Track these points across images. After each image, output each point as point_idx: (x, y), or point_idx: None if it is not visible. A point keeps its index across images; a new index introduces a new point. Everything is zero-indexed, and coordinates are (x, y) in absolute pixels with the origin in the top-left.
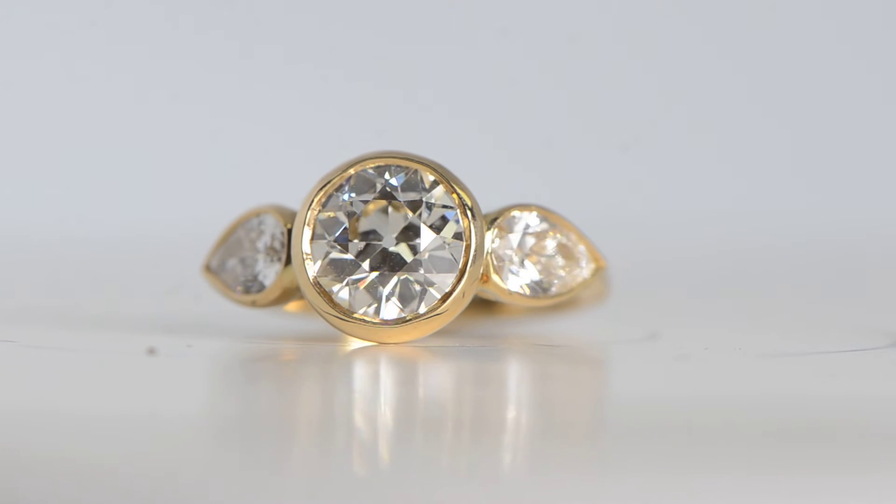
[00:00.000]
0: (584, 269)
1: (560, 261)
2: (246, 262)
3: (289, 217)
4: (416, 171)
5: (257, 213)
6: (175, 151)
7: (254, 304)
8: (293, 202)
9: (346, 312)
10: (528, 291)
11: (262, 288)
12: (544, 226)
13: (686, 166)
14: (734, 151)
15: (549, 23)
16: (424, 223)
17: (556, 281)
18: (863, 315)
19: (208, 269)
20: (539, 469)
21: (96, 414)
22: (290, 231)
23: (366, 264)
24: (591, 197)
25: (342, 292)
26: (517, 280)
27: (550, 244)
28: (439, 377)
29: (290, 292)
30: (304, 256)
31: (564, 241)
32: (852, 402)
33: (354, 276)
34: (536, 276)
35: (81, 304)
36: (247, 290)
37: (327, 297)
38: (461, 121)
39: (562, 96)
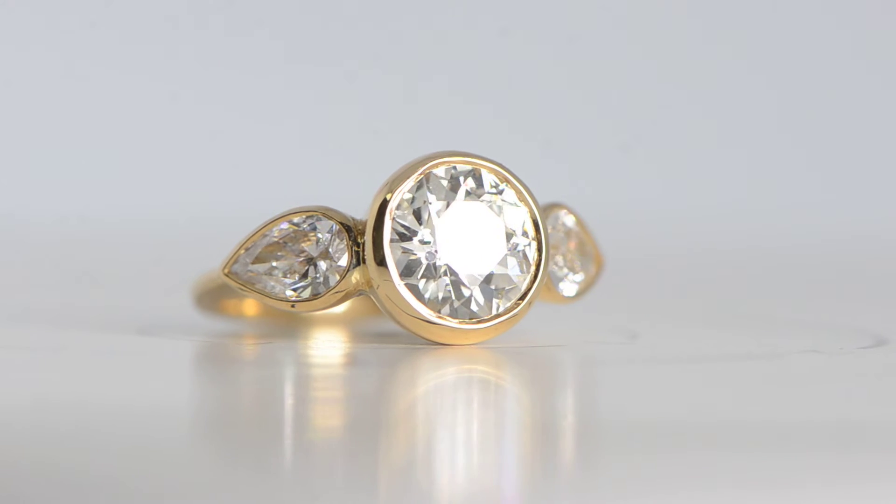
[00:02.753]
0: (592, 267)
1: (580, 259)
2: (290, 264)
3: (342, 219)
4: (484, 171)
5: (298, 215)
6: (175, 151)
7: (294, 307)
8: (295, 202)
9: (431, 314)
10: (573, 293)
11: (318, 290)
12: (576, 226)
13: (677, 166)
14: (733, 152)
15: (548, 23)
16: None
17: (580, 279)
18: (847, 315)
19: (231, 272)
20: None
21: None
22: (347, 231)
23: (446, 266)
24: (590, 197)
25: (428, 294)
26: (569, 286)
27: (574, 243)
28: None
29: (350, 295)
30: (385, 258)
31: (583, 239)
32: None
33: (438, 279)
34: (580, 278)
35: (76, 303)
36: (304, 292)
37: (414, 299)
38: (461, 120)
39: (561, 96)
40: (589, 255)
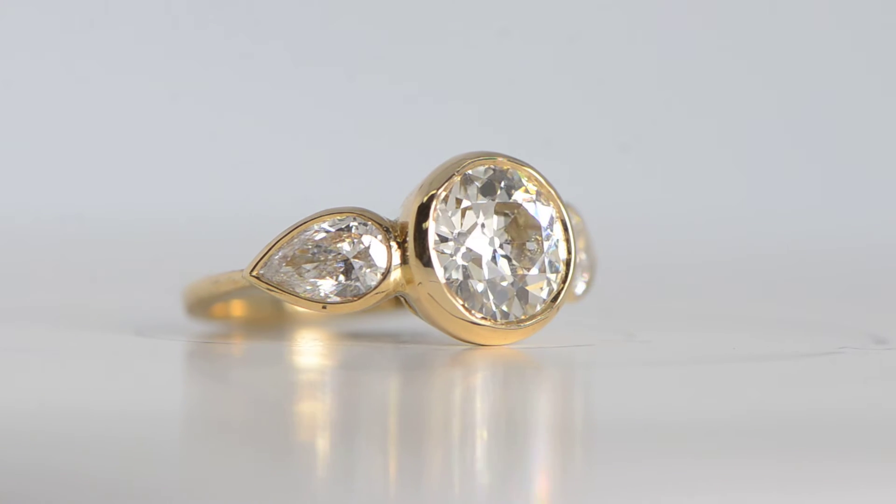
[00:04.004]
0: (586, 262)
1: (587, 258)
2: (326, 267)
3: (379, 220)
4: (516, 172)
5: (332, 216)
6: (175, 151)
7: (325, 308)
8: (295, 203)
9: (474, 316)
10: (581, 291)
11: (358, 292)
12: (579, 225)
13: (675, 168)
14: (733, 152)
15: (548, 23)
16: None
17: (587, 277)
18: (846, 317)
19: (259, 274)
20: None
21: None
22: (386, 232)
23: (488, 267)
24: (590, 197)
25: (476, 294)
26: (580, 284)
27: (583, 241)
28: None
29: (388, 296)
30: (432, 259)
31: (588, 238)
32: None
33: (477, 280)
34: (587, 276)
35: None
36: (341, 294)
37: (459, 300)
38: (461, 120)
39: (561, 96)
40: (592, 255)
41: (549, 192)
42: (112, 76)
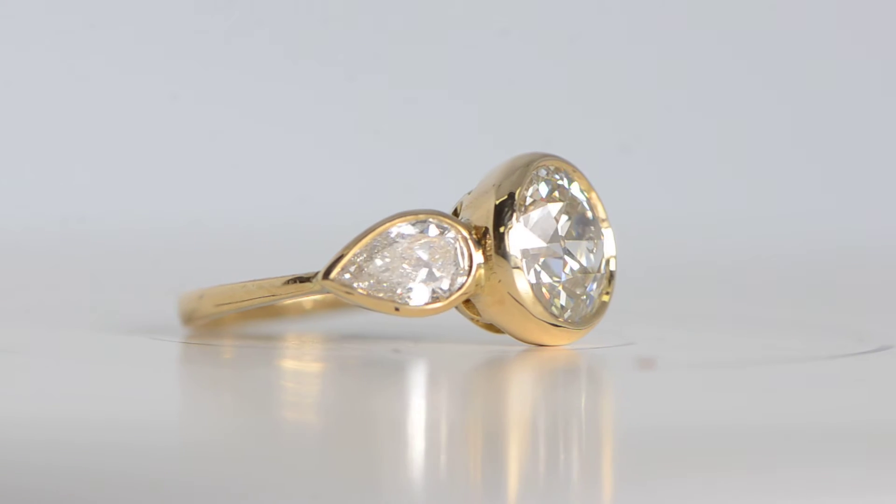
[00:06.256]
0: None
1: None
2: (404, 270)
3: (457, 223)
4: (573, 172)
5: (407, 219)
6: (175, 151)
7: (398, 310)
8: (295, 203)
9: (552, 316)
10: None
11: (439, 295)
12: None
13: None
14: (733, 152)
15: (548, 23)
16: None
17: None
18: (849, 319)
19: (334, 279)
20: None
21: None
22: (466, 234)
23: (563, 267)
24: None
25: (553, 295)
26: None
27: None
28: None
29: (469, 297)
30: (517, 260)
31: None
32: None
33: (560, 279)
34: None
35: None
36: (422, 296)
37: (539, 301)
38: (461, 120)
39: (561, 95)
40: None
41: (591, 189)
42: (112, 76)
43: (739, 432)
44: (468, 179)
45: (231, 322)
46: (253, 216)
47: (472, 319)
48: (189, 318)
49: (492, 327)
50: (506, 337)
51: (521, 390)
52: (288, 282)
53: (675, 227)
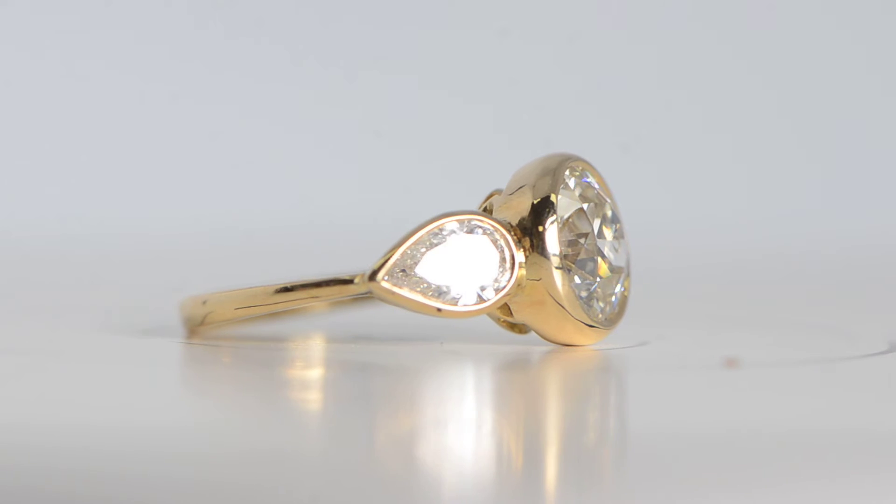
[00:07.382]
0: None
1: None
2: (447, 271)
3: (501, 224)
4: (592, 174)
5: (451, 220)
6: (175, 151)
7: (440, 312)
8: (295, 203)
9: (589, 316)
10: None
11: (488, 296)
12: None
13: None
14: (733, 152)
15: (548, 23)
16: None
17: None
18: (861, 321)
19: (381, 280)
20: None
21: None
22: (508, 234)
23: (601, 269)
24: None
25: (596, 297)
26: None
27: None
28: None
29: (511, 297)
30: (559, 260)
31: None
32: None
33: (597, 279)
34: None
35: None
36: (469, 297)
37: (578, 302)
38: (461, 120)
39: (561, 95)
40: None
41: (608, 190)
42: (112, 76)
43: (752, 436)
44: (468, 179)
45: (231, 323)
46: (253, 216)
47: (497, 319)
48: (197, 323)
49: (514, 327)
50: (516, 336)
51: (550, 397)
52: (327, 283)
53: (675, 227)
